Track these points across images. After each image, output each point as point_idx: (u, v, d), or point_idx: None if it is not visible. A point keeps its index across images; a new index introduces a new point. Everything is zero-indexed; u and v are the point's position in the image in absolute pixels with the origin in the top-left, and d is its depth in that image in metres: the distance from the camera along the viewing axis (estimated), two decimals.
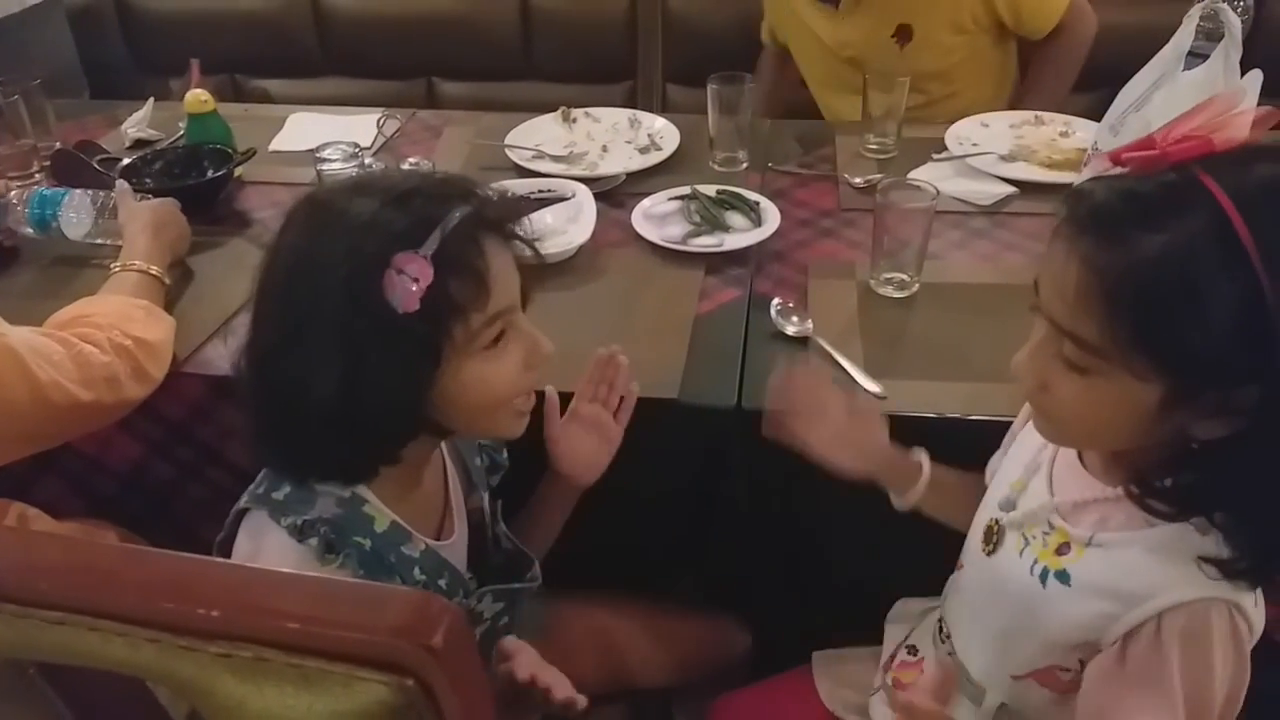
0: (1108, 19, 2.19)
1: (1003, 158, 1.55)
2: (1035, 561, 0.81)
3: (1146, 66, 1.14)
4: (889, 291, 1.25)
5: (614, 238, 1.39)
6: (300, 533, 0.77)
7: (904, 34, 1.79)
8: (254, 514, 0.81)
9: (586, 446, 1.03)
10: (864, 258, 1.31)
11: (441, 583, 0.87)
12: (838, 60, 1.87)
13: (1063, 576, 0.78)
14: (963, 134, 1.63)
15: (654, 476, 1.10)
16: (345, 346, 0.74)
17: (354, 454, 0.79)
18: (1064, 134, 1.63)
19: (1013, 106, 1.83)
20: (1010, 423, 0.95)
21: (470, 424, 0.85)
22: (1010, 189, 1.48)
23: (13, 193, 1.36)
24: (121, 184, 1.32)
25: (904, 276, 1.25)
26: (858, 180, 1.51)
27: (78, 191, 1.34)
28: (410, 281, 0.72)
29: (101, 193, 1.33)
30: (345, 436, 0.77)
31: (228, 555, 0.81)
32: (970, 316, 1.22)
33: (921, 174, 1.51)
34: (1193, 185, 0.65)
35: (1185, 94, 1.11)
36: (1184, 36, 1.10)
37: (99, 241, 1.30)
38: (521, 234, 0.84)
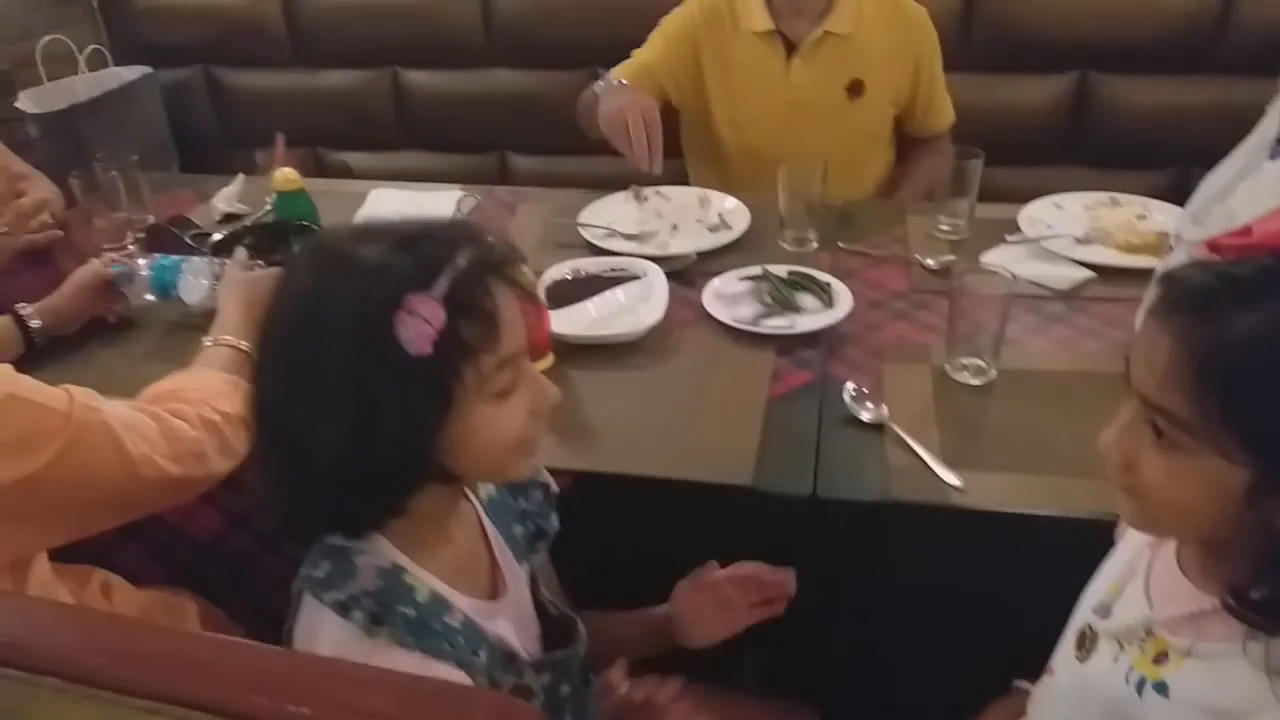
0: (1177, 99, 2.19)
1: (1079, 240, 1.53)
2: (1131, 669, 0.78)
3: (1229, 156, 1.13)
4: (965, 378, 1.24)
5: (685, 317, 1.39)
6: (345, 609, 0.77)
7: (856, 88, 1.83)
8: (305, 597, 0.81)
9: (707, 617, 1.03)
10: (938, 342, 1.30)
11: (480, 655, 0.84)
12: (767, 115, 1.86)
13: (1160, 688, 0.75)
14: (1036, 215, 1.62)
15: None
16: (356, 392, 0.73)
17: (360, 503, 0.78)
18: (1141, 217, 1.60)
19: (887, 192, 1.95)
20: (1092, 521, 0.93)
21: (477, 469, 0.83)
22: (1087, 273, 1.46)
23: (140, 261, 1.42)
24: (239, 253, 1.37)
25: (980, 363, 1.23)
26: (930, 262, 1.51)
27: (195, 258, 1.40)
28: (422, 323, 0.72)
29: (218, 260, 1.39)
30: (352, 485, 0.76)
31: (291, 641, 0.81)
32: (1050, 406, 1.19)
33: (995, 256, 1.50)
34: None
35: (1271, 183, 1.09)
36: (1269, 126, 1.08)
37: (214, 306, 1.34)
38: (524, 281, 0.83)
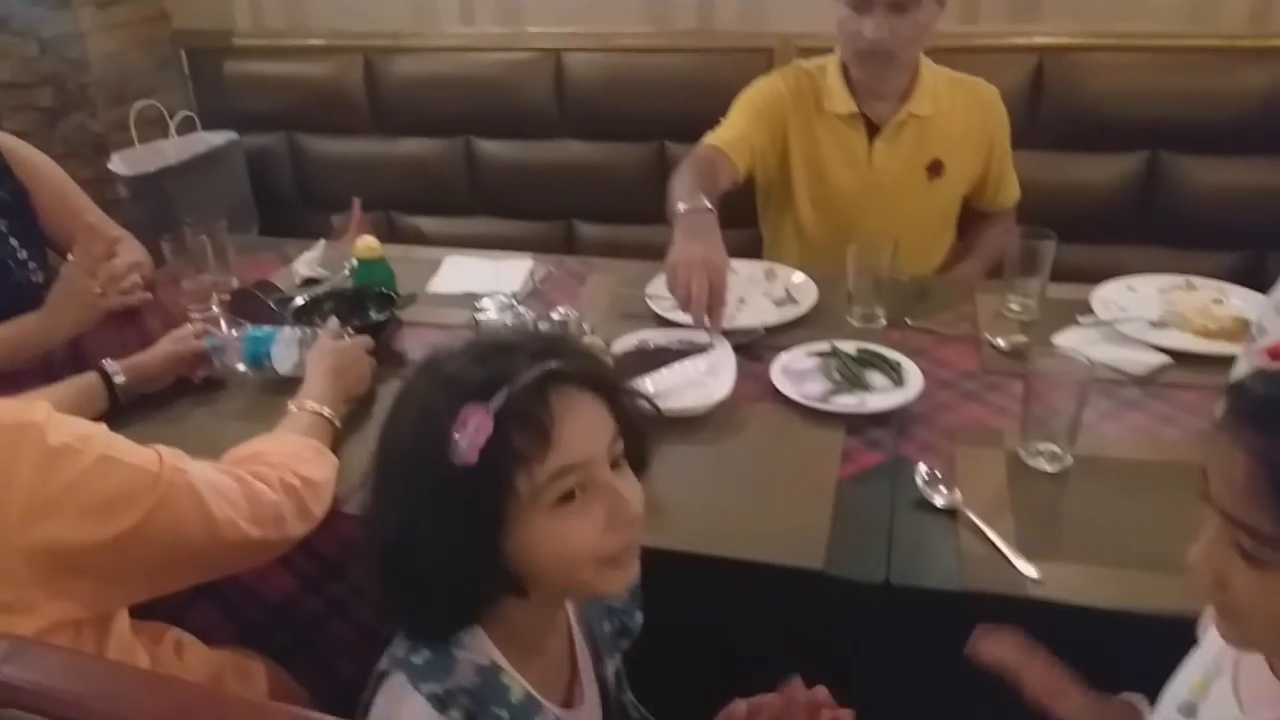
0: (1250, 181, 2.17)
1: (1154, 324, 1.51)
2: None
3: None
4: (1040, 464, 1.22)
5: (752, 392, 1.40)
6: (442, 703, 0.78)
7: (936, 168, 1.84)
8: (394, 677, 0.81)
9: None
10: (1011, 425, 1.29)
11: None
12: (847, 193, 1.86)
13: None
14: (1109, 298, 1.60)
15: (791, 649, 1.07)
16: (415, 496, 0.77)
17: (437, 607, 0.80)
18: (1217, 301, 1.58)
19: (945, 269, 1.95)
20: (1173, 618, 0.90)
21: (552, 581, 0.83)
22: (1164, 358, 1.44)
23: (233, 332, 1.47)
24: (332, 322, 1.42)
25: (1056, 449, 1.21)
26: (1001, 342, 1.50)
27: (287, 329, 1.45)
28: (471, 434, 0.74)
29: (308, 330, 1.44)
30: (425, 588, 0.78)
31: (367, 717, 0.82)
32: (1128, 496, 1.17)
33: (1068, 338, 1.49)
34: None
35: None
36: None
37: (302, 374, 1.37)
38: (622, 387, 0.85)
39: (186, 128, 2.64)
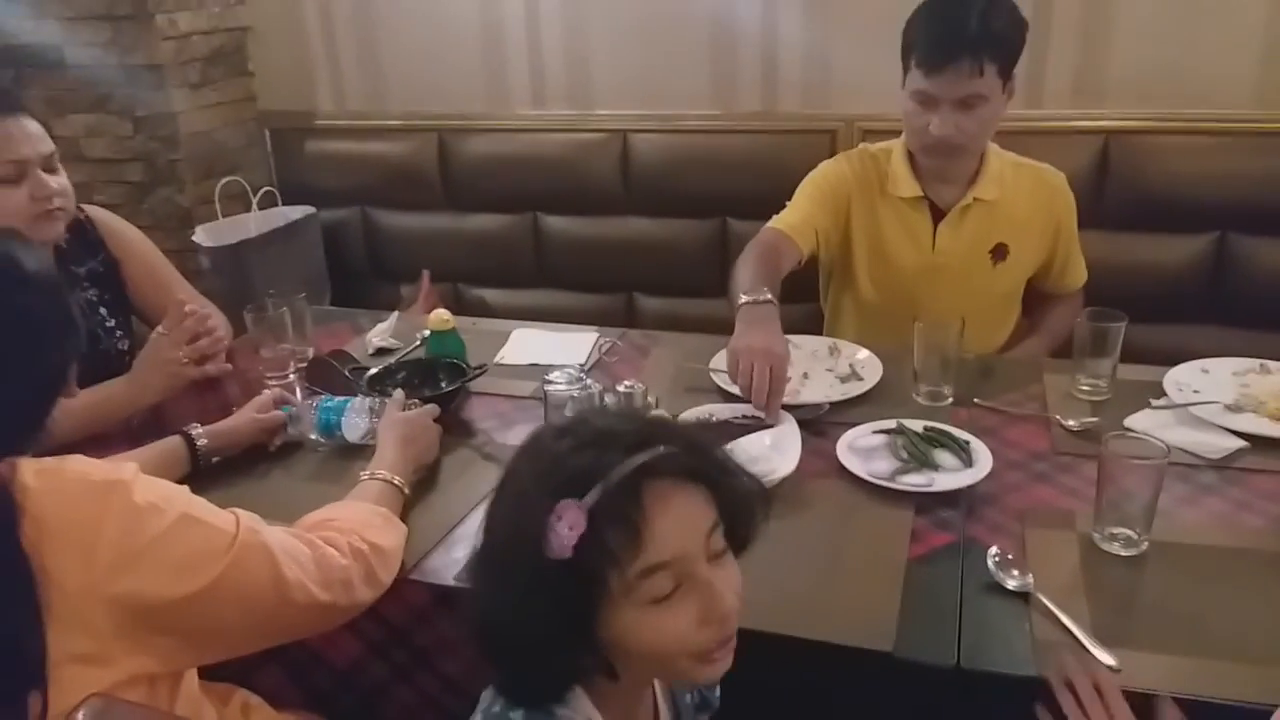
0: None
1: (1228, 407, 1.48)
2: None
3: None
4: (1115, 549, 1.19)
5: (817, 468, 1.39)
6: None
7: (1000, 252, 1.84)
8: None
9: None
10: (1083, 507, 1.27)
11: None
12: (910, 274, 1.86)
13: None
14: (1182, 380, 1.57)
15: None
16: (510, 578, 0.80)
17: (530, 681, 0.83)
18: None
19: (1009, 346, 1.94)
20: (1254, 709, 0.88)
21: (645, 670, 0.85)
22: (1240, 442, 1.41)
23: (308, 401, 1.52)
24: (398, 394, 1.47)
25: (1131, 533, 1.19)
26: (1071, 423, 1.48)
27: (357, 400, 1.49)
28: (566, 530, 0.75)
29: (377, 400, 1.48)
30: (515, 660, 0.81)
31: None
32: (1207, 583, 1.14)
33: (1140, 421, 1.47)
34: None
35: None
36: None
37: (371, 442, 1.42)
38: (725, 470, 0.85)
39: (267, 202, 2.75)
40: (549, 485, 0.78)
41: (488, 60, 2.66)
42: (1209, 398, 1.50)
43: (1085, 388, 1.56)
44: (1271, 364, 1.62)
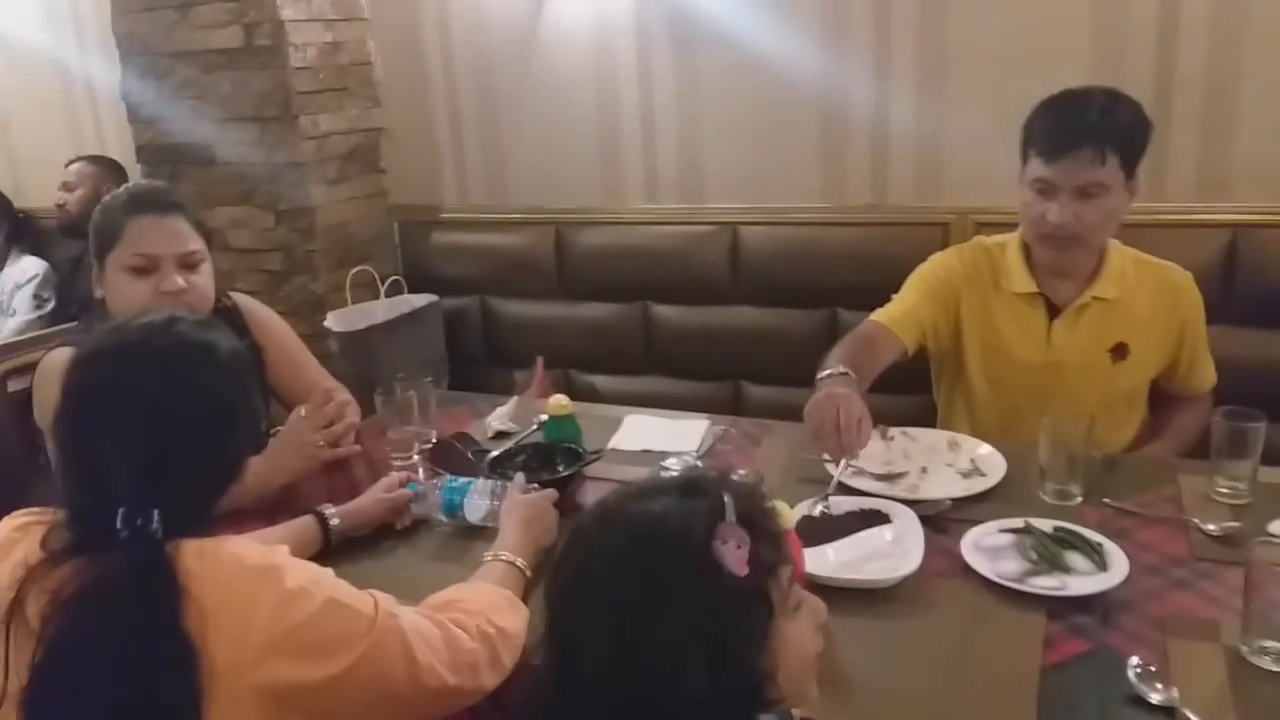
0: None
1: None
2: None
3: None
4: (1265, 663, 1.13)
5: (941, 567, 1.36)
6: None
7: (1120, 351, 1.79)
8: None
9: None
10: (1228, 617, 1.21)
11: None
12: (1026, 371, 1.82)
13: None
14: None
15: None
16: (704, 625, 0.80)
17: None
18: None
19: (1135, 447, 1.87)
20: None
21: (790, 690, 0.86)
22: None
23: (433, 481, 1.58)
24: (519, 477, 1.51)
25: None
26: (1211, 527, 1.41)
27: (480, 481, 1.54)
28: (736, 546, 0.79)
29: (498, 482, 1.53)
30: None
31: None
32: None
33: None
34: None
35: None
36: None
37: (491, 524, 1.46)
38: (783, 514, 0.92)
39: (394, 290, 2.89)
40: (693, 524, 0.81)
41: (604, 156, 2.77)
42: None
43: (1224, 490, 1.49)
44: None
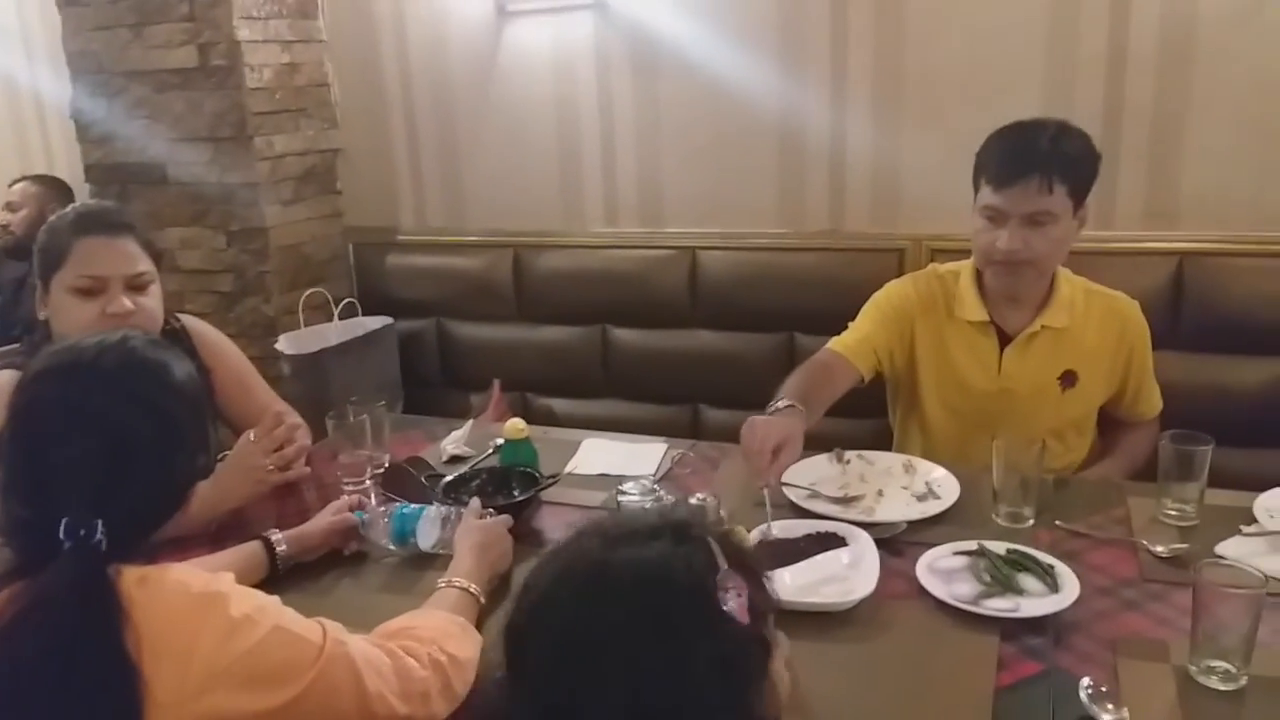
0: None
1: None
2: None
3: None
4: (1213, 682, 1.14)
5: (897, 590, 1.36)
6: None
7: (1069, 378, 1.82)
8: None
9: None
10: (1177, 637, 1.22)
11: None
12: (978, 397, 1.85)
13: None
14: (1273, 505, 1.52)
15: None
16: (720, 676, 0.77)
17: None
18: None
19: (1083, 469, 1.90)
20: None
21: None
22: None
23: (382, 509, 1.54)
24: (474, 502, 1.49)
25: (1229, 667, 1.14)
26: (1160, 549, 1.43)
27: (431, 508, 1.51)
28: (737, 595, 0.79)
29: (451, 509, 1.50)
30: None
31: None
32: None
33: (1231, 548, 1.41)
34: None
35: None
36: None
37: (443, 551, 1.44)
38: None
39: (348, 313, 2.86)
40: (688, 574, 0.79)
41: (564, 180, 2.78)
42: None
43: (1172, 512, 1.52)
44: None
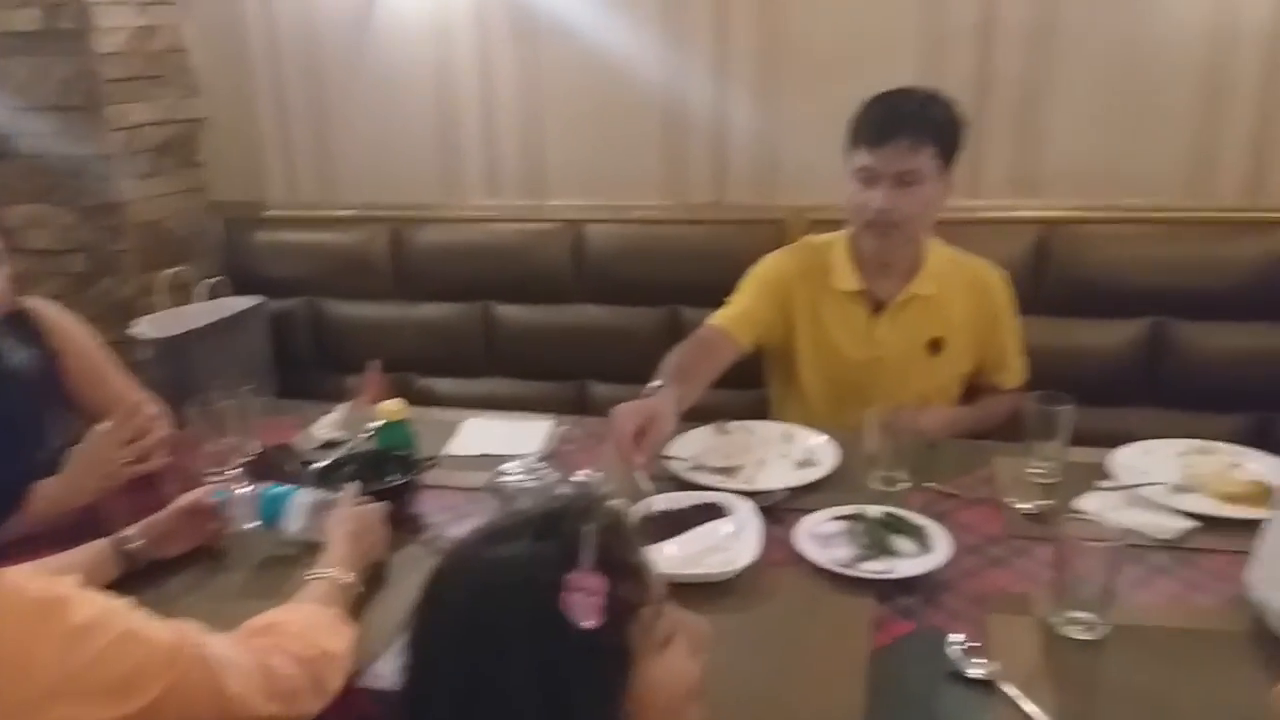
0: (1255, 345, 2.22)
1: (1175, 488, 1.51)
2: None
3: None
4: (1075, 633, 1.19)
5: (777, 557, 1.38)
6: None
7: (936, 346, 1.89)
8: None
9: None
10: (1041, 590, 1.27)
11: None
12: (851, 366, 1.91)
13: None
14: (1126, 462, 1.60)
15: None
16: (543, 682, 0.75)
17: None
18: (1234, 465, 1.57)
19: None
20: None
21: None
22: (1190, 522, 1.43)
23: (246, 490, 1.45)
24: (352, 487, 1.42)
25: (1090, 617, 1.19)
26: (1025, 506, 1.49)
27: (304, 490, 1.44)
28: (586, 596, 0.75)
29: (324, 492, 1.43)
30: None
31: None
32: (1168, 665, 1.14)
33: (1090, 503, 1.48)
34: None
35: None
36: None
37: (313, 540, 1.36)
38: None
39: (218, 292, 2.72)
40: (541, 572, 0.76)
41: (442, 151, 2.69)
42: (1154, 479, 1.53)
43: (1036, 470, 1.58)
44: (1212, 444, 1.66)
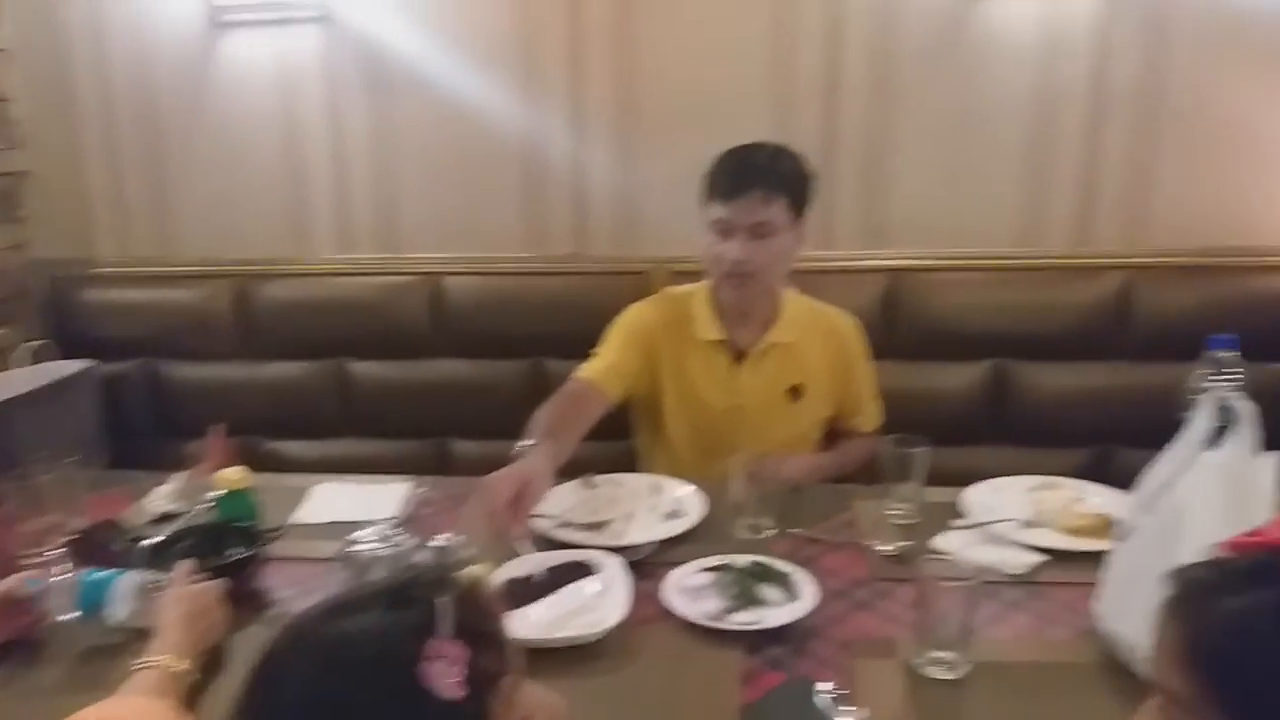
0: (1089, 383, 2.35)
1: (1025, 524, 1.56)
2: None
3: (1169, 452, 1.19)
4: (938, 673, 1.20)
5: (646, 613, 1.35)
6: None
7: (796, 392, 1.94)
8: None
9: None
10: (905, 632, 1.28)
11: None
12: (715, 414, 1.94)
13: None
14: (977, 499, 1.65)
15: None
16: None
17: None
18: (1078, 500, 1.64)
19: None
20: None
21: None
22: (1040, 556, 1.48)
23: (63, 576, 1.32)
24: (185, 564, 1.31)
25: (951, 656, 1.21)
26: (886, 548, 1.51)
27: (129, 573, 1.32)
28: (449, 666, 0.71)
29: (154, 573, 1.32)
30: None
31: None
32: (1025, 700, 1.17)
33: (945, 542, 1.52)
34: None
35: (1211, 475, 1.14)
36: (1200, 424, 1.16)
37: (142, 626, 1.24)
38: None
39: (40, 356, 2.51)
40: (397, 644, 0.71)
41: (290, 203, 2.59)
42: (1005, 515, 1.58)
43: (894, 511, 1.61)
44: (1056, 479, 1.73)
